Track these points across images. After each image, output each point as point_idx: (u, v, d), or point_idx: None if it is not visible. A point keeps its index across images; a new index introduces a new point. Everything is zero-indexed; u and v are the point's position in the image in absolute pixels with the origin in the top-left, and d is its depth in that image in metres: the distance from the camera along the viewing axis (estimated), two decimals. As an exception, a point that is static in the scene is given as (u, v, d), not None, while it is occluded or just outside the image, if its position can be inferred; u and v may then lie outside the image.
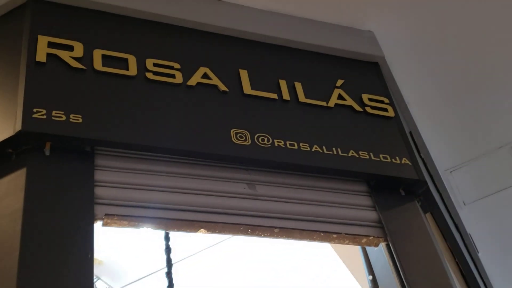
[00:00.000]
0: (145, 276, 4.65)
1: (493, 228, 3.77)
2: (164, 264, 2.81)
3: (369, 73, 2.53)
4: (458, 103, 3.17)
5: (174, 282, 2.70)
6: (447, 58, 2.96)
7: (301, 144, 2.07)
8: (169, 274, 2.75)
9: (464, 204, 3.59)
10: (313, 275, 4.10)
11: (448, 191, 3.33)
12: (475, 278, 2.73)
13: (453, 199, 3.37)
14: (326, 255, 3.85)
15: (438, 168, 3.26)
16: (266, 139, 2.02)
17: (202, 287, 4.28)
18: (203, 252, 4.47)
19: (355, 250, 2.45)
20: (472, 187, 3.54)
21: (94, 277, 4.79)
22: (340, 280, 3.90)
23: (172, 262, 4.57)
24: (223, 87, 2.12)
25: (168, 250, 2.84)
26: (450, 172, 3.43)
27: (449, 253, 2.63)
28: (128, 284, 4.75)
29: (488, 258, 3.67)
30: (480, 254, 3.62)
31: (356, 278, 3.67)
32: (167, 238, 2.87)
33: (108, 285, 4.67)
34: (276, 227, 1.91)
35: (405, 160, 2.21)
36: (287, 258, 4.12)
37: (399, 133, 2.32)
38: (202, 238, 4.36)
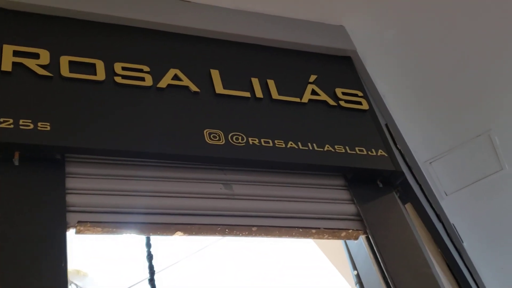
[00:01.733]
0: (132, 286, 4.60)
1: (476, 217, 3.78)
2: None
3: (342, 67, 2.53)
4: (434, 93, 3.18)
5: (158, 289, 2.68)
6: (420, 49, 2.96)
7: (276, 141, 2.05)
8: (151, 281, 2.72)
9: (446, 195, 3.60)
10: (301, 274, 4.08)
11: (429, 182, 3.32)
12: (459, 267, 2.73)
13: (434, 190, 3.37)
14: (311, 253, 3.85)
15: (417, 159, 3.26)
16: (240, 138, 2.00)
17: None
18: (189, 258, 4.44)
19: (339, 246, 2.44)
20: (452, 177, 3.54)
21: (80, 290, 4.70)
22: (326, 277, 3.89)
23: (158, 270, 4.53)
24: (194, 88, 2.10)
25: (150, 256, 2.81)
26: (430, 163, 3.43)
27: (433, 243, 2.62)
28: (114, 295, 4.70)
29: (473, 248, 3.68)
30: (465, 244, 3.62)
31: (342, 274, 3.67)
32: (148, 245, 2.84)
33: (94, 297, 4.62)
34: (254, 226, 1.89)
35: (381, 152, 2.20)
36: (273, 260, 4.10)
37: (374, 126, 2.31)
38: (187, 244, 4.34)
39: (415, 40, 2.90)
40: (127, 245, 3.97)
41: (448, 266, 2.77)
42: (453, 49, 2.97)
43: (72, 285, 4.51)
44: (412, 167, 2.90)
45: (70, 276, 4.47)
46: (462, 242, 3.61)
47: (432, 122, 3.29)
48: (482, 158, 3.48)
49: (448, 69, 3.06)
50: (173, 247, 4.26)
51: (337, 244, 2.65)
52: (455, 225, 3.56)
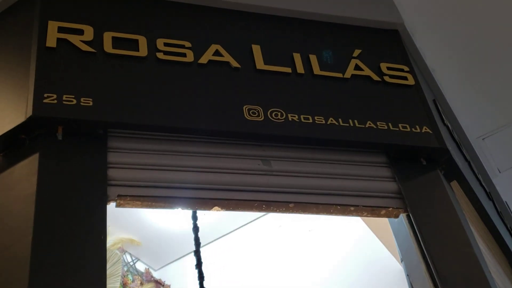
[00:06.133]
0: (184, 256, 4.70)
1: (531, 196, 3.66)
2: (203, 243, 2.83)
3: (388, 41, 2.46)
4: (488, 67, 3.07)
5: (203, 261, 2.74)
6: (474, 22, 2.86)
7: (316, 118, 2.03)
8: (197, 253, 2.77)
9: (500, 172, 3.49)
10: (349, 250, 4.06)
11: (481, 159, 3.23)
12: (507, 246, 2.66)
13: (486, 167, 3.28)
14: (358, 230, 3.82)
15: (469, 135, 3.17)
16: (279, 114, 2.00)
17: (235, 265, 4.30)
18: (236, 232, 4.50)
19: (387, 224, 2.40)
20: (506, 154, 3.44)
21: (133, 258, 4.86)
22: (374, 254, 3.86)
23: (209, 241, 4.60)
24: (235, 64, 2.09)
25: (196, 229, 2.86)
26: (483, 139, 3.33)
27: (480, 221, 2.56)
28: (167, 264, 4.82)
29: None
30: (518, 223, 3.51)
31: (392, 252, 3.64)
32: (194, 217, 2.89)
33: (147, 265, 4.74)
34: (291, 202, 1.89)
35: (425, 129, 2.15)
36: (319, 237, 4.09)
37: (419, 101, 2.25)
38: (240, 217, 4.39)
39: (467, 13, 2.80)
40: (183, 217, 4.03)
41: (499, 245, 2.70)
42: (508, 21, 2.85)
43: (126, 254, 4.64)
44: (462, 143, 2.83)
45: (123, 245, 4.60)
46: (515, 220, 3.51)
47: (486, 97, 3.19)
48: (538, 134, 3.36)
49: (502, 42, 2.95)
50: (225, 219, 4.32)
51: (385, 221, 2.62)
52: (508, 203, 3.46)
